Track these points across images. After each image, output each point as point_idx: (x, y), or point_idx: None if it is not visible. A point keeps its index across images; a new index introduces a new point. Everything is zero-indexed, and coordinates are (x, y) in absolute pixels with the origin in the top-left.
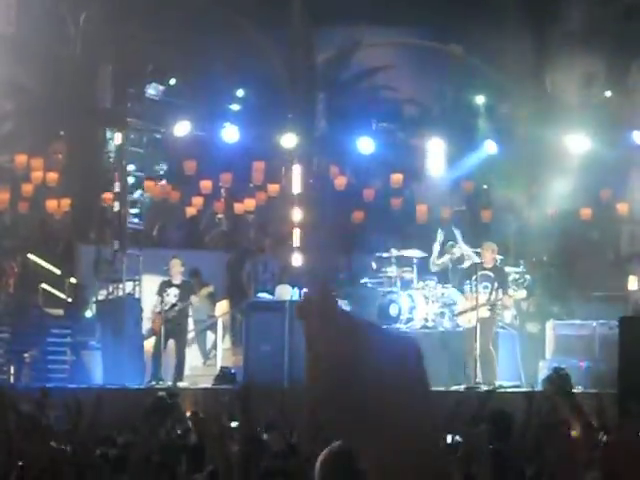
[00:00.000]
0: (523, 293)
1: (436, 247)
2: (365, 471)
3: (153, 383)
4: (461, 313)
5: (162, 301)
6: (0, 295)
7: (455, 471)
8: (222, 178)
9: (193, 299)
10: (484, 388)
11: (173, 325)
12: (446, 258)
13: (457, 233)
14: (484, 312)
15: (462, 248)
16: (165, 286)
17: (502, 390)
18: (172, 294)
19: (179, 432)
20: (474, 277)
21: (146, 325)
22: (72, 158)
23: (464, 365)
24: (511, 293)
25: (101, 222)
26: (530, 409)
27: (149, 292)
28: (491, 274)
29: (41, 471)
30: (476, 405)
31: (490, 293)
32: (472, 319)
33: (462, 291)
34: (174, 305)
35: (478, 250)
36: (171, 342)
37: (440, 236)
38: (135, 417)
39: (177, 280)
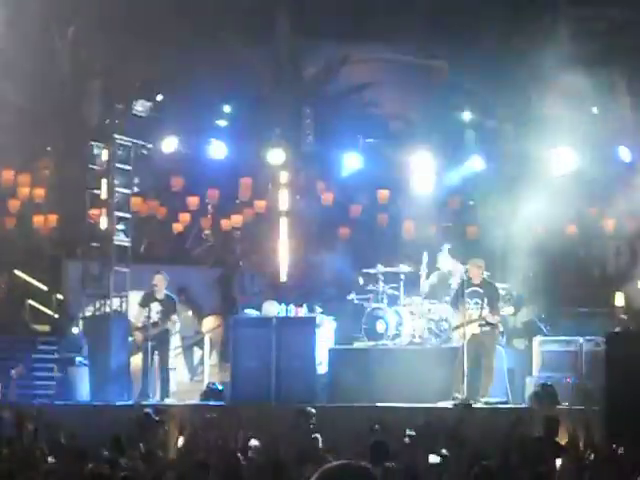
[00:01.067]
0: (510, 310)
1: (423, 269)
2: None
3: (140, 400)
4: (456, 328)
5: (145, 315)
6: None
7: None
8: (209, 194)
9: (172, 318)
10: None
11: (155, 343)
12: (434, 276)
13: (445, 248)
14: (475, 328)
15: (449, 263)
16: (148, 299)
17: (488, 406)
18: (154, 309)
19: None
20: (467, 292)
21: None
22: (59, 174)
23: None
24: (499, 310)
25: (88, 238)
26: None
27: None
28: (480, 290)
29: None
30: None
31: (481, 308)
32: (466, 335)
33: (456, 307)
34: (156, 323)
35: (467, 267)
36: (155, 359)
37: (425, 258)
38: (121, 433)
39: (160, 295)
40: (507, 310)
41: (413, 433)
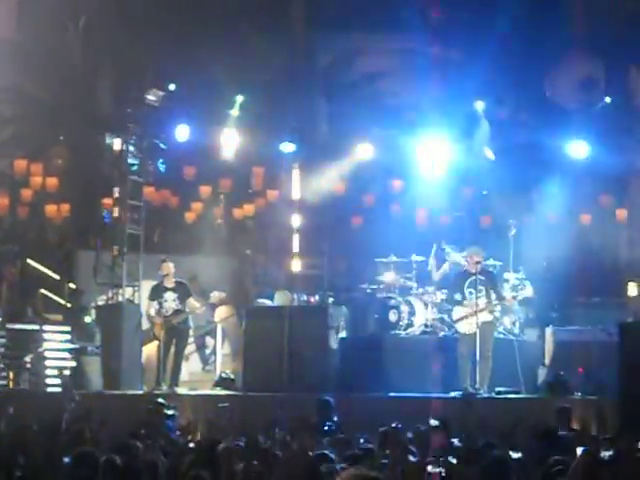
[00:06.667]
0: (530, 291)
1: (432, 261)
2: None
3: (152, 389)
4: (460, 320)
5: (161, 306)
6: None
7: None
8: (221, 183)
9: (190, 302)
10: (484, 395)
11: (177, 331)
12: (446, 266)
13: (449, 248)
14: (486, 316)
15: (457, 257)
16: (160, 291)
17: (502, 396)
18: (170, 299)
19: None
20: (466, 283)
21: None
22: (72, 163)
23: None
24: (517, 293)
25: (100, 227)
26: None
27: None
28: (482, 277)
29: None
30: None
31: (487, 296)
32: (473, 325)
33: (454, 300)
34: (178, 311)
35: (464, 255)
36: (172, 349)
37: (434, 249)
38: (133, 423)
39: (170, 283)
40: (527, 291)
41: (437, 423)
